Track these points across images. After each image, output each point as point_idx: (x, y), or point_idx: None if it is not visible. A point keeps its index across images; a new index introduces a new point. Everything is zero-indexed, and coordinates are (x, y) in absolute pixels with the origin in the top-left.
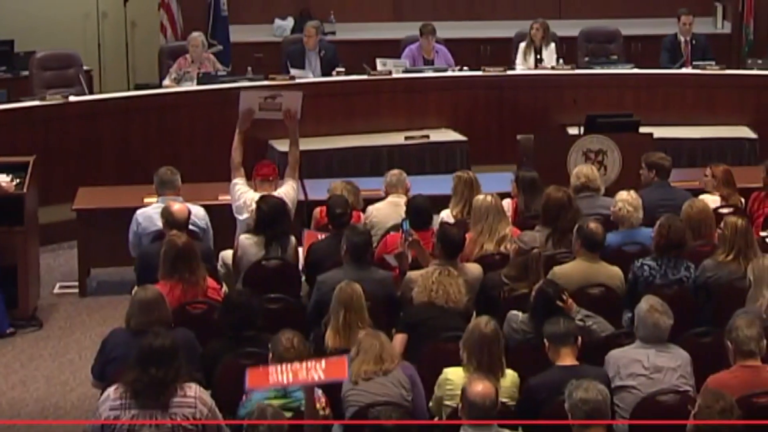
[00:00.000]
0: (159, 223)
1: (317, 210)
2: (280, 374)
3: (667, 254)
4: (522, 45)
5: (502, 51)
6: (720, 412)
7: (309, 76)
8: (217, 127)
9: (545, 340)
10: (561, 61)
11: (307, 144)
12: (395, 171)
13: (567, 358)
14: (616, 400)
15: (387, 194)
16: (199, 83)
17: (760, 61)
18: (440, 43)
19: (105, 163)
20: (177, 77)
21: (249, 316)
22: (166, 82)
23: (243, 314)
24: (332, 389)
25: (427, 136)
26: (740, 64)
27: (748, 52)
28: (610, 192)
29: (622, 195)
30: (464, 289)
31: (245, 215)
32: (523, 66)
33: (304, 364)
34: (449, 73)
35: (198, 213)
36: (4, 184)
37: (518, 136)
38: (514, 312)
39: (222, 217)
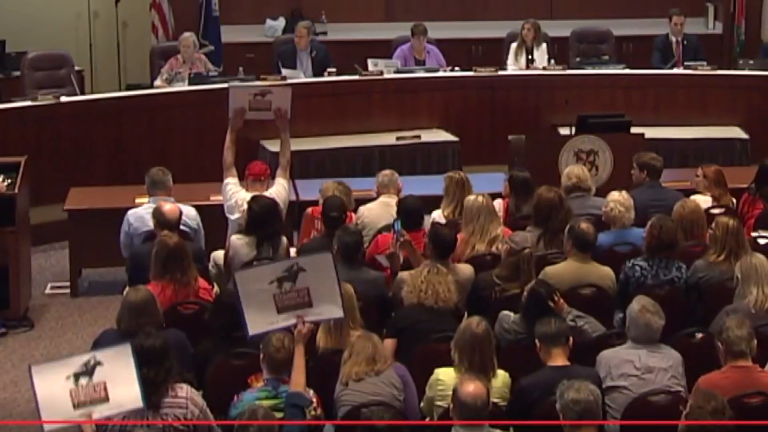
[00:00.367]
0: (150, 224)
1: (309, 210)
2: None
3: (658, 254)
4: (513, 45)
5: (494, 51)
6: (712, 412)
7: (300, 76)
8: (208, 128)
9: (537, 341)
10: (552, 61)
11: (299, 144)
12: (387, 171)
13: (558, 359)
14: (607, 401)
15: (378, 194)
16: (190, 83)
17: (751, 62)
18: (432, 44)
19: (96, 163)
20: (168, 77)
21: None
22: (157, 82)
23: (234, 315)
24: (324, 390)
25: (419, 137)
26: (732, 65)
27: (739, 53)
28: (602, 192)
29: (614, 195)
30: (453, 286)
31: (237, 215)
32: (514, 66)
33: None
34: (441, 74)
35: (189, 213)
36: None
37: (510, 137)
38: (506, 312)
39: (213, 217)
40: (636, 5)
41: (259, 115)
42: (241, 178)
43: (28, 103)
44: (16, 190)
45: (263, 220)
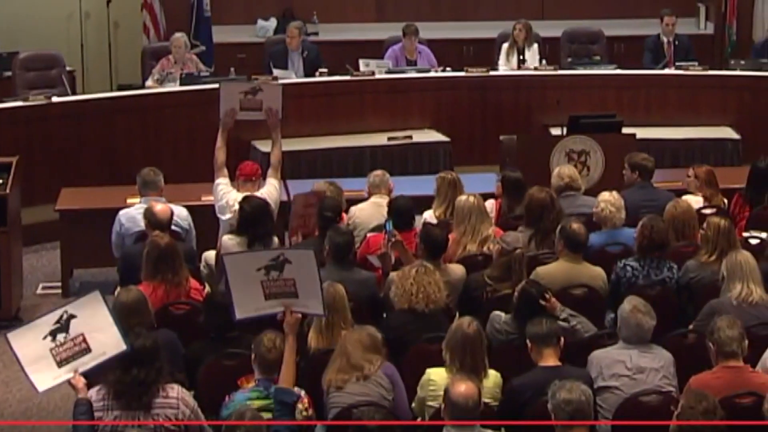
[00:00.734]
0: (142, 224)
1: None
2: None
3: (649, 255)
4: (505, 46)
5: (485, 52)
6: (703, 412)
7: (292, 76)
8: (199, 128)
9: (528, 341)
10: (544, 61)
11: (290, 144)
12: (378, 172)
13: (550, 359)
14: (598, 401)
15: (370, 195)
16: (181, 84)
17: (742, 62)
18: (423, 44)
19: (88, 163)
20: (160, 78)
21: (231, 317)
22: (148, 82)
23: (226, 315)
24: (316, 390)
25: (410, 137)
26: (723, 65)
27: (730, 53)
28: (593, 193)
29: (605, 195)
30: (443, 284)
31: (228, 215)
32: (505, 67)
33: None
34: (432, 74)
35: (181, 213)
36: None
37: (501, 137)
38: (497, 312)
39: (205, 217)
40: (627, 5)
41: (250, 115)
42: (233, 178)
43: (20, 103)
44: (8, 191)
45: (254, 220)
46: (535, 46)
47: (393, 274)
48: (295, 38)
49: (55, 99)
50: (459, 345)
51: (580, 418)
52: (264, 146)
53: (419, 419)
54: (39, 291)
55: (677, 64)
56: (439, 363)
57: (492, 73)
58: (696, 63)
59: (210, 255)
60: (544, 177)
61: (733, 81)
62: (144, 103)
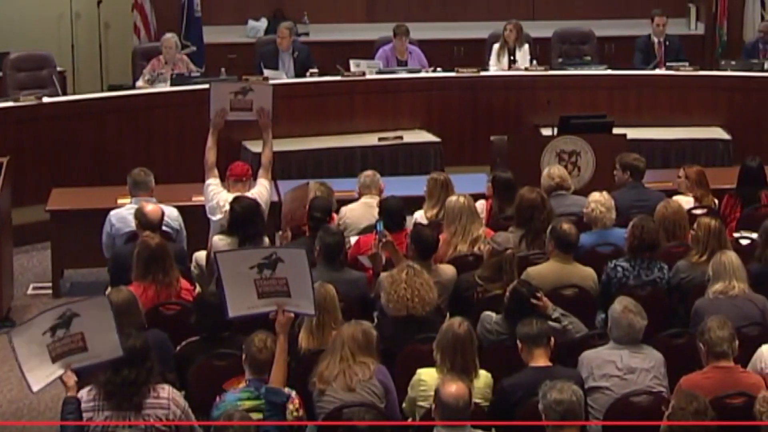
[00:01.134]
0: (132, 224)
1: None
2: None
3: (640, 255)
4: (495, 46)
5: (476, 52)
6: (694, 413)
7: (282, 77)
8: (190, 128)
9: (518, 341)
10: (534, 62)
11: (281, 145)
12: (369, 172)
13: (540, 359)
14: (589, 401)
15: (360, 195)
16: (172, 84)
17: (733, 62)
18: (414, 44)
19: (78, 164)
20: (150, 78)
21: (223, 317)
22: (139, 83)
23: (216, 315)
24: (307, 391)
25: (401, 137)
26: (714, 65)
27: (721, 53)
28: (584, 193)
29: (595, 196)
30: (433, 284)
31: (219, 216)
32: (496, 67)
33: None
34: (423, 74)
35: (171, 214)
36: None
37: (492, 137)
38: (488, 313)
39: (195, 217)
40: (618, 6)
41: (240, 115)
42: (223, 178)
43: (10, 103)
44: None
45: (245, 220)
46: (526, 46)
47: (382, 279)
48: (285, 39)
49: (45, 99)
50: (450, 345)
51: (570, 419)
52: (254, 147)
53: (410, 419)
54: (29, 291)
55: (668, 64)
56: (430, 363)
57: (483, 73)
58: (687, 63)
59: (201, 255)
60: (535, 177)
61: (724, 81)
62: (135, 103)
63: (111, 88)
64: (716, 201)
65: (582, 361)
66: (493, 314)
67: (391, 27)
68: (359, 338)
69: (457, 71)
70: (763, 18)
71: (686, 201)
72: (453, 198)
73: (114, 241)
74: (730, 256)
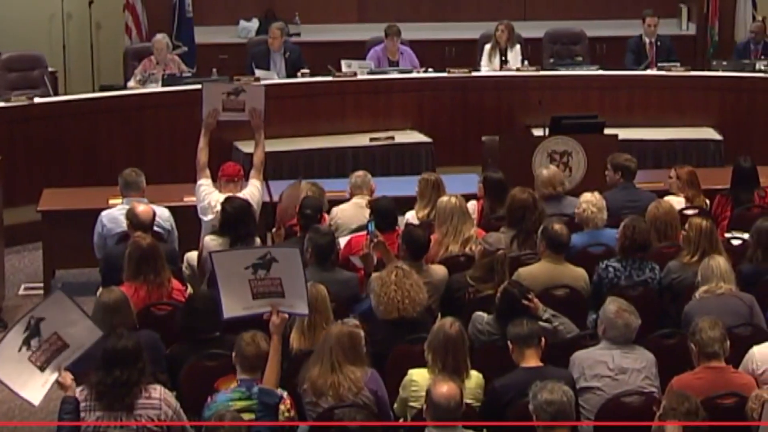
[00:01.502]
0: (124, 225)
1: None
2: None
3: (631, 256)
4: (487, 46)
5: (467, 52)
6: (685, 413)
7: (274, 77)
8: (181, 129)
9: (509, 342)
10: (526, 62)
11: (272, 145)
12: (360, 172)
13: (531, 360)
14: (581, 402)
15: (352, 195)
16: (164, 85)
17: (725, 63)
18: (405, 45)
19: (70, 164)
20: (142, 79)
21: (214, 318)
22: (130, 83)
23: (208, 316)
24: (297, 393)
25: (392, 138)
26: (705, 66)
27: (712, 54)
28: (575, 193)
29: (586, 196)
30: (422, 283)
31: (210, 216)
32: (488, 67)
33: None
34: (414, 75)
35: (163, 214)
36: None
37: (483, 138)
38: (480, 313)
39: (187, 218)
40: (609, 6)
41: (232, 116)
42: (215, 179)
43: (2, 104)
44: None
45: (237, 221)
46: (518, 46)
47: (372, 281)
48: (277, 39)
49: (37, 100)
50: (441, 346)
51: (561, 419)
52: (246, 147)
53: (401, 420)
54: (21, 292)
55: (659, 64)
56: (421, 364)
57: (474, 73)
58: (678, 64)
59: (192, 256)
60: (526, 178)
61: (715, 82)
62: (126, 104)
63: (102, 89)
64: (707, 201)
65: (573, 362)
66: (485, 315)
67: (383, 27)
68: (345, 343)
69: (449, 72)
70: (754, 18)
71: (677, 201)
72: (444, 198)
73: (105, 241)
74: (719, 261)
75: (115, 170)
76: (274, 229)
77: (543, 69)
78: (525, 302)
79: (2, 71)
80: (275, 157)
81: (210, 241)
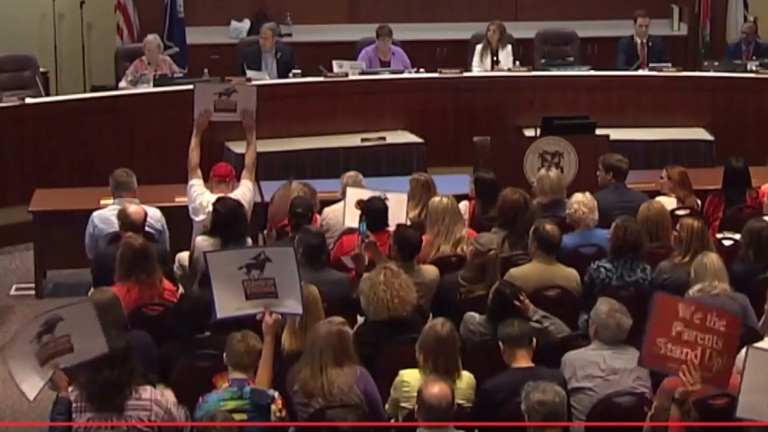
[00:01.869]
0: (115, 225)
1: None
2: None
3: (623, 256)
4: (478, 47)
5: (459, 53)
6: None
7: (265, 77)
8: (173, 129)
9: (500, 342)
10: (517, 62)
11: (264, 145)
12: (352, 173)
13: (522, 360)
14: (572, 402)
15: (343, 196)
16: (155, 85)
17: (716, 63)
18: (396, 45)
19: (61, 165)
20: (133, 79)
21: (205, 318)
22: (122, 84)
23: (199, 316)
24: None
25: (384, 138)
26: (697, 66)
27: (704, 54)
28: (567, 194)
29: (577, 197)
30: (411, 283)
31: (202, 217)
32: (479, 68)
33: None
34: (405, 75)
35: (154, 215)
36: None
37: (474, 138)
38: (471, 313)
39: (178, 218)
40: (601, 7)
41: (224, 116)
42: (206, 179)
43: None
44: None
45: (228, 221)
46: (509, 47)
47: (361, 283)
48: (268, 39)
49: (28, 100)
50: (432, 346)
51: (554, 419)
52: (238, 147)
53: (393, 420)
54: (12, 292)
55: (651, 65)
56: (412, 364)
57: (465, 74)
58: (669, 64)
59: (183, 256)
60: (518, 178)
61: (707, 82)
62: (117, 104)
63: (94, 89)
64: (699, 202)
65: (565, 362)
66: (476, 315)
67: (374, 28)
68: (335, 343)
69: (440, 72)
70: (746, 19)
71: (669, 202)
72: (436, 199)
73: (97, 242)
74: (712, 258)
75: (107, 171)
76: (265, 230)
77: (534, 69)
78: (516, 303)
79: None
80: (267, 158)
81: (201, 241)
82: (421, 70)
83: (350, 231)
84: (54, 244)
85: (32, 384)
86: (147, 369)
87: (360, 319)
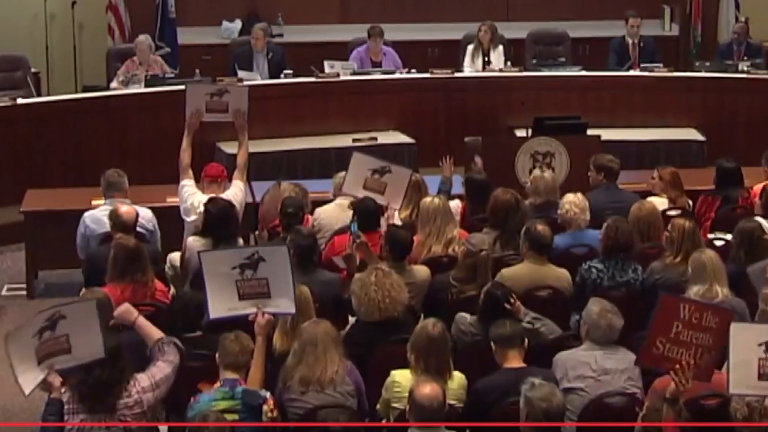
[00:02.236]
0: (107, 226)
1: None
2: None
3: (614, 256)
4: (470, 47)
5: (450, 53)
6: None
7: (257, 78)
8: (164, 129)
9: (492, 343)
10: (509, 63)
11: (255, 146)
12: (343, 173)
13: (514, 360)
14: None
15: (335, 196)
16: (146, 85)
17: (707, 63)
18: (388, 46)
19: (53, 165)
20: (125, 79)
21: (197, 318)
22: (113, 84)
23: (191, 316)
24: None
25: (375, 138)
26: (688, 67)
27: (695, 54)
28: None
29: (569, 197)
30: (402, 283)
31: (193, 217)
32: (471, 68)
33: None
34: (397, 76)
35: (146, 215)
36: None
37: (466, 139)
38: (462, 314)
39: (170, 219)
40: (592, 7)
41: (216, 117)
42: (198, 180)
43: None
44: None
45: (220, 222)
46: (500, 47)
47: (352, 283)
48: (259, 40)
49: (20, 101)
50: (424, 346)
51: (552, 420)
52: (229, 148)
53: (384, 421)
54: (4, 293)
55: (642, 65)
56: (404, 365)
57: (457, 74)
58: (661, 65)
59: (175, 256)
60: (510, 178)
61: (698, 82)
62: (109, 104)
63: (85, 90)
64: (690, 202)
65: (556, 363)
66: (468, 315)
67: (366, 28)
68: (333, 334)
69: (432, 72)
70: (737, 19)
71: (660, 202)
72: (427, 199)
73: (88, 242)
74: (710, 255)
75: (98, 171)
76: (257, 231)
77: (526, 70)
78: (507, 306)
79: None
80: (258, 158)
81: (193, 242)
82: (413, 70)
83: (341, 231)
84: (45, 245)
85: (28, 379)
86: (138, 369)
87: (351, 320)
